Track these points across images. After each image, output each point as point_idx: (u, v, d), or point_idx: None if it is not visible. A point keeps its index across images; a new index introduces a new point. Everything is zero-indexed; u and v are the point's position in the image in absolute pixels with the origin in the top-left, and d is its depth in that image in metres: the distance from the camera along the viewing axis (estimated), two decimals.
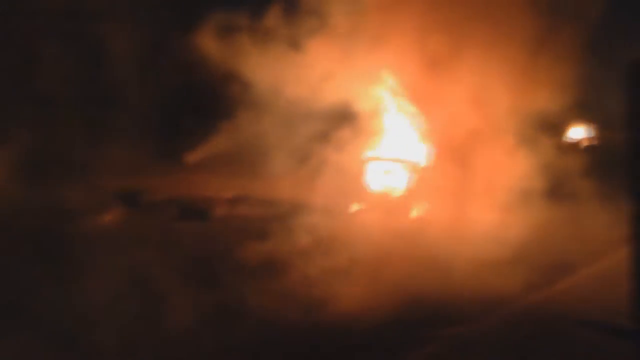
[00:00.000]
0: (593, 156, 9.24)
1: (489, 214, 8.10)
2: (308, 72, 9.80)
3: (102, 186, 9.13)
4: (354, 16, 9.09)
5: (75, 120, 9.76)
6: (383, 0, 8.90)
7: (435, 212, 8.98)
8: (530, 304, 5.94)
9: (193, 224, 8.50)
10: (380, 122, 9.83)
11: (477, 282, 6.45)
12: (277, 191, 10.42)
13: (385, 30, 8.88)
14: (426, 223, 8.62)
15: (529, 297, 6.14)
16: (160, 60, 11.73)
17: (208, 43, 9.81)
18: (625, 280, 4.63)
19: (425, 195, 9.24)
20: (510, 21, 8.41)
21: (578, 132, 21.11)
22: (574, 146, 18.08)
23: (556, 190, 8.57)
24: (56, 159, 9.11)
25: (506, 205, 8.09)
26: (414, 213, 9.25)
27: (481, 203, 8.29)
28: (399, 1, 8.85)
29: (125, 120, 10.36)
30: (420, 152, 9.55)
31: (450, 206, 8.51)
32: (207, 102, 12.82)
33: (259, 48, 10.19)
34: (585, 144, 20.21)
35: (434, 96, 8.95)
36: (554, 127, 12.54)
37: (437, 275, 6.65)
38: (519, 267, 6.79)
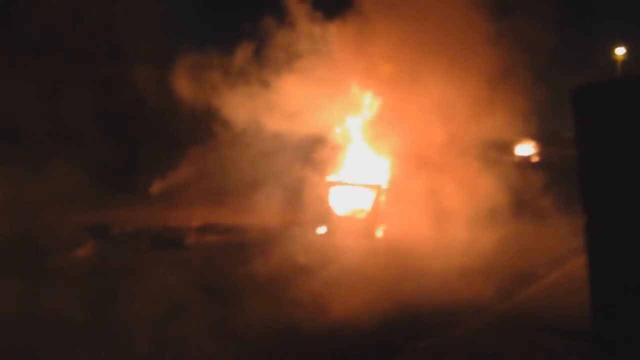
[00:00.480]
0: (545, 172, 9.77)
1: (455, 230, 8.53)
2: (271, 100, 10.20)
3: (71, 221, 9.26)
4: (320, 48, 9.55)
5: (37, 155, 9.89)
6: (349, 33, 9.36)
7: (402, 231, 9.43)
8: (499, 312, 6.36)
9: (165, 253, 8.68)
10: (345, 147, 10.28)
11: (449, 292, 6.86)
12: (244, 218, 10.71)
13: (351, 59, 9.35)
14: (392, 241, 9.06)
15: (497, 306, 6.57)
16: (124, 94, 11.93)
17: (176, 78, 10.12)
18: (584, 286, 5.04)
19: (390, 215, 9.69)
20: (470, 54, 8.98)
21: (524, 150, 22.08)
22: (524, 163, 18.93)
23: (517, 205, 9.06)
24: (21, 195, 9.20)
25: (471, 221, 8.55)
26: (380, 232, 9.67)
27: (447, 220, 8.72)
28: (363, 33, 9.33)
29: (89, 154, 10.53)
30: (385, 175, 10.02)
31: (416, 224, 8.95)
32: (169, 134, 13.05)
33: (222, 81, 10.55)
34: (532, 160, 21.14)
35: (400, 121, 9.45)
36: (506, 146, 13.24)
37: (410, 288, 7.02)
38: (485, 277, 7.23)
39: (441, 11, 9.14)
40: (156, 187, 12.85)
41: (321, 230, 10.02)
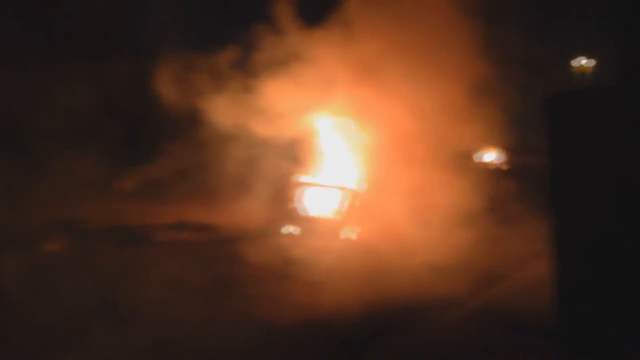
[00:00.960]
0: (513, 178, 10.06)
1: (425, 232, 8.74)
2: (241, 99, 10.32)
3: (41, 216, 9.22)
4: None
5: (8, 150, 9.84)
6: (330, 40, 9.54)
7: (374, 232, 9.62)
8: (468, 310, 6.58)
9: (137, 250, 8.72)
10: (316, 148, 10.44)
11: (420, 289, 7.08)
12: (216, 217, 10.79)
13: (326, 65, 9.52)
14: (363, 242, 9.27)
15: (466, 303, 6.79)
16: (93, 89, 11.91)
17: (157, 75, 10.17)
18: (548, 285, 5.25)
19: (362, 217, 9.88)
20: (448, 62, 9.25)
21: (490, 157, 22.57)
22: (493, 169, 19.44)
23: (488, 209, 9.31)
24: None
25: (441, 224, 8.77)
26: (351, 234, 9.86)
27: (418, 223, 8.92)
28: (345, 40, 9.54)
29: (59, 148, 10.49)
30: (357, 177, 10.22)
31: (389, 226, 9.16)
32: (140, 131, 13.05)
33: (202, 82, 10.66)
34: (499, 167, 21.61)
35: (373, 125, 9.67)
36: (470, 153, 13.56)
37: (381, 286, 7.20)
38: (456, 275, 7.48)
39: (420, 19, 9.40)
40: (130, 183, 12.83)
41: (292, 230, 10.14)
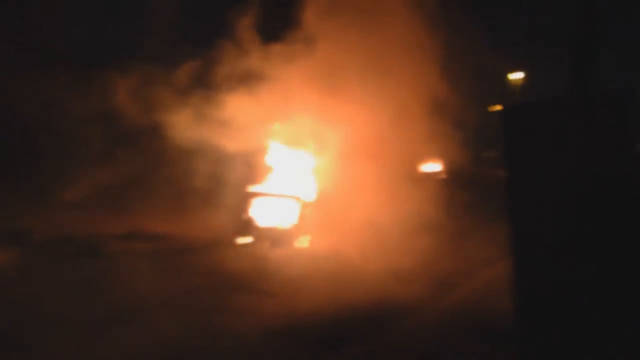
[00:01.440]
0: (468, 188, 10.33)
1: (384, 239, 8.90)
2: (197, 111, 10.34)
3: None
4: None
5: None
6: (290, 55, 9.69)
7: (327, 241, 9.76)
8: (430, 314, 6.74)
9: (89, 261, 8.58)
10: (269, 159, 10.51)
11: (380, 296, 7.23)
12: (168, 226, 10.71)
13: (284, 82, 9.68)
14: (318, 250, 9.39)
15: (427, 307, 6.95)
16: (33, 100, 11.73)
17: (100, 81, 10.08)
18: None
19: (316, 225, 10.00)
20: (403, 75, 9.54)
21: (432, 167, 23.07)
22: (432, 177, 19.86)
23: (444, 217, 9.53)
24: None
25: (399, 232, 8.95)
26: (304, 242, 9.95)
27: (376, 231, 9.08)
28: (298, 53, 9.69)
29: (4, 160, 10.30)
30: (309, 188, 10.33)
31: (342, 234, 9.29)
32: (86, 141, 12.85)
33: (146, 89, 10.61)
34: (440, 176, 22.09)
35: (330, 135, 9.85)
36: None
37: (342, 292, 7.30)
38: (414, 284, 7.65)
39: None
40: (73, 194, 12.63)
41: (244, 240, 10.16)
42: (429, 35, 9.84)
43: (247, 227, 10.17)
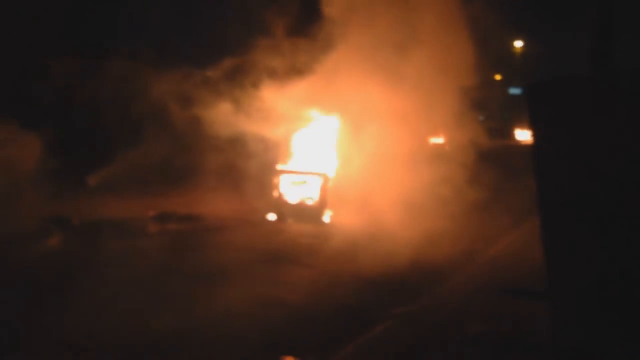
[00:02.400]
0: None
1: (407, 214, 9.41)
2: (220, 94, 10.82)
3: (31, 213, 9.46)
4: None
5: None
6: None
7: (349, 217, 10.28)
8: (460, 277, 7.29)
9: (130, 242, 9.04)
10: (294, 137, 10.99)
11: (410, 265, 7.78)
12: (196, 207, 11.18)
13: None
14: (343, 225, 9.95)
15: (460, 269, 7.50)
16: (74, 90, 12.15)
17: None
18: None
19: (339, 201, 10.52)
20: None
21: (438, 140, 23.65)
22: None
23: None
24: None
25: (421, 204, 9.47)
26: (327, 218, 10.50)
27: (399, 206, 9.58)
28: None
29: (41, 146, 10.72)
30: (333, 166, 10.84)
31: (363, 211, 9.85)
32: (116, 127, 13.29)
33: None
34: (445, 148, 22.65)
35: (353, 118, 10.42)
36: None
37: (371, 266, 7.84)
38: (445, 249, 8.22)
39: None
40: (94, 179, 13.06)
41: (272, 217, 10.64)
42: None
43: (276, 204, 10.64)
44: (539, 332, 4.93)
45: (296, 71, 10.37)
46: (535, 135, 5.96)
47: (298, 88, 10.36)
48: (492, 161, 11.14)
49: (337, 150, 10.94)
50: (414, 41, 10.55)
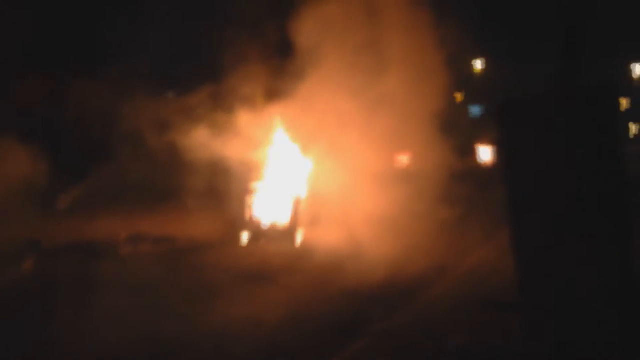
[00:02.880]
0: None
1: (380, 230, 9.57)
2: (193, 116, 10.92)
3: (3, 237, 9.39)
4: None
5: None
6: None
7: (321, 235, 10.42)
8: (435, 292, 7.43)
9: (105, 263, 9.00)
10: (267, 158, 11.12)
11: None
12: (171, 228, 11.19)
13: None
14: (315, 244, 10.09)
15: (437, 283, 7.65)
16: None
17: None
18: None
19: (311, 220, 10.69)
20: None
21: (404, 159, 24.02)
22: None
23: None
24: None
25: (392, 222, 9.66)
26: (300, 237, 10.62)
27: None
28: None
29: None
30: (306, 186, 11.00)
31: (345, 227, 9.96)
32: (85, 148, 13.25)
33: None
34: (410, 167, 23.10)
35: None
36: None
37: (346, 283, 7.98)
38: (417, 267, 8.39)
39: None
40: (63, 202, 12.99)
41: (245, 238, 10.70)
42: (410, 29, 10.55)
43: (249, 225, 10.72)
44: (516, 343, 5.07)
45: (270, 95, 10.51)
46: (503, 151, 6.18)
47: (271, 111, 10.50)
48: (460, 177, 11.40)
49: (310, 171, 11.07)
50: (382, 65, 10.80)
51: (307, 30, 10.71)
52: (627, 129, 41.75)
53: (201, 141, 10.60)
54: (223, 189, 10.87)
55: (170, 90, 11.51)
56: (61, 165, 13.76)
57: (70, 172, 13.24)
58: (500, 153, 6.14)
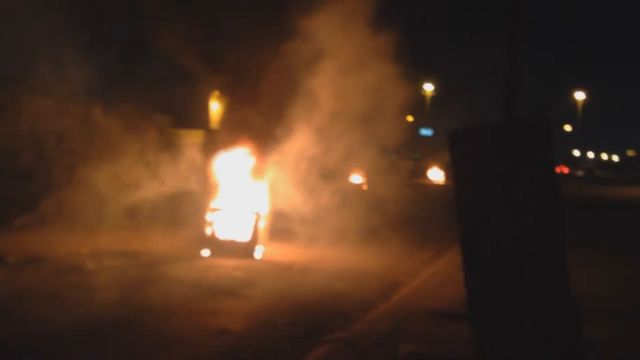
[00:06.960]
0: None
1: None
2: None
3: None
4: None
5: None
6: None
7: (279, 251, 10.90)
8: (389, 305, 7.97)
9: (72, 277, 9.22)
10: (227, 175, 11.56)
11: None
12: (130, 243, 11.49)
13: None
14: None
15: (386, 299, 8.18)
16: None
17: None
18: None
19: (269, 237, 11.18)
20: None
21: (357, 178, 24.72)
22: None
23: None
24: None
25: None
26: (259, 254, 11.07)
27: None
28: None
29: None
30: (265, 203, 11.47)
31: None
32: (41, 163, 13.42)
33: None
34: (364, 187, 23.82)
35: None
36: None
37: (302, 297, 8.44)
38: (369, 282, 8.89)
39: None
40: (21, 220, 13.16)
41: (206, 252, 11.06)
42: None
43: (209, 241, 11.10)
44: (465, 351, 5.60)
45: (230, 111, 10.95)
46: (454, 175, 6.76)
47: (228, 128, 10.95)
48: (412, 197, 12.04)
49: (269, 189, 11.55)
50: (335, 89, 11.34)
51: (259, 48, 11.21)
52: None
53: (159, 156, 10.98)
54: (183, 205, 11.22)
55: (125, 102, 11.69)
56: (15, 182, 13.91)
57: (26, 188, 13.39)
58: (451, 176, 6.73)
